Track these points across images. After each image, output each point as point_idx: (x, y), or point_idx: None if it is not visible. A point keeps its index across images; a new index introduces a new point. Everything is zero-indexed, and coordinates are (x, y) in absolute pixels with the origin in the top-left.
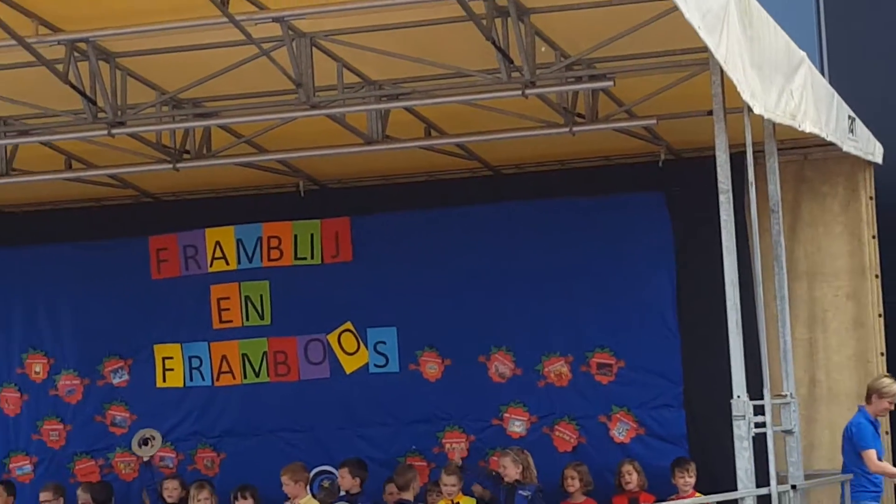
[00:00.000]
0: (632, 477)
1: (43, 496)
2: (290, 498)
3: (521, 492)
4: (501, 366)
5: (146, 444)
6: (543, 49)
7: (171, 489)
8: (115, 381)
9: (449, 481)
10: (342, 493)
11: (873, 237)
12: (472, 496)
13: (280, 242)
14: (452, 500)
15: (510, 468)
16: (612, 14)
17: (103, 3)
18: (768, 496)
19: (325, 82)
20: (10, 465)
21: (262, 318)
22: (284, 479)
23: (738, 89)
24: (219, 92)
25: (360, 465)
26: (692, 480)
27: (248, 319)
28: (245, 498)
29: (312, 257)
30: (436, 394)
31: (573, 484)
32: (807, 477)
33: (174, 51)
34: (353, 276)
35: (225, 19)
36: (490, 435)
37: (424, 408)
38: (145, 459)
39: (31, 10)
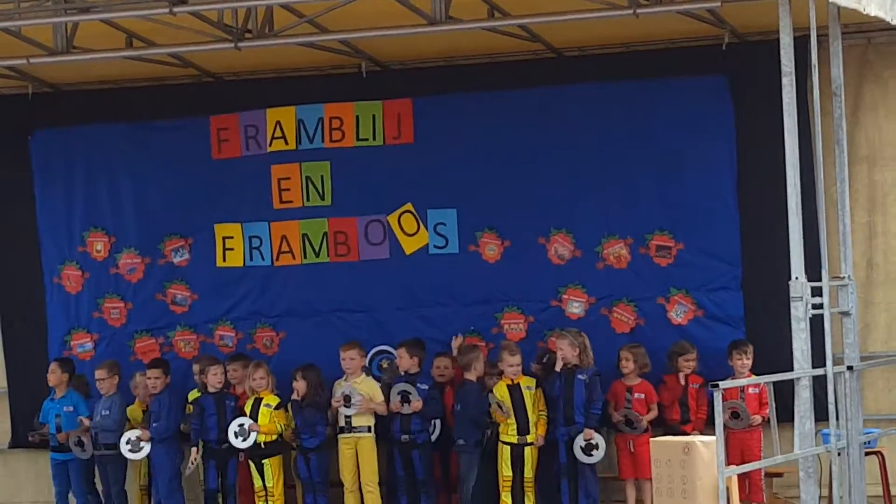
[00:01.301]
0: (689, 363)
1: (98, 374)
2: (346, 375)
3: (579, 376)
4: (561, 247)
5: (243, 437)
6: None
7: (220, 374)
8: (176, 259)
9: (514, 361)
10: (401, 372)
11: None
12: (533, 376)
13: (342, 123)
14: (513, 381)
15: (567, 350)
16: None
17: None
18: (824, 377)
19: None
20: (72, 343)
21: (322, 198)
22: (352, 353)
23: None
24: None
25: (419, 344)
26: (749, 362)
27: (308, 200)
28: (296, 380)
29: (374, 138)
30: (495, 275)
31: (627, 365)
32: (862, 359)
33: None
34: (414, 158)
35: None
36: (548, 316)
37: (483, 289)
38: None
39: None
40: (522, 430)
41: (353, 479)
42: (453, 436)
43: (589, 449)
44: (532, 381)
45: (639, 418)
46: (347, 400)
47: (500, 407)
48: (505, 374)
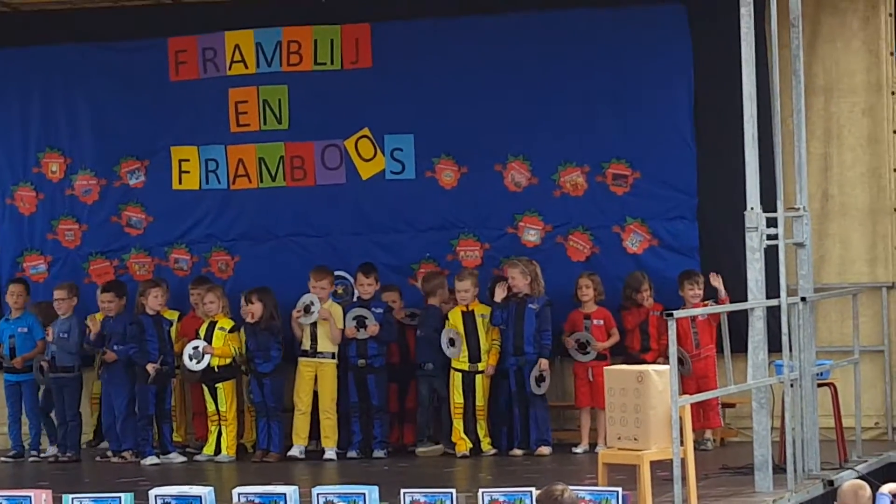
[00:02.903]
0: (647, 293)
1: (57, 294)
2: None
3: (530, 305)
4: (517, 174)
5: (197, 360)
6: None
7: (160, 297)
8: (132, 182)
9: (462, 287)
10: (356, 297)
11: (891, 54)
12: (487, 304)
13: (300, 47)
14: (467, 307)
15: (518, 279)
16: None
17: None
18: (778, 308)
19: None
20: (24, 264)
21: (279, 122)
22: (323, 282)
23: None
24: None
25: (376, 270)
26: (700, 292)
27: (265, 123)
28: (251, 302)
29: (332, 63)
30: (451, 201)
31: (587, 293)
32: (816, 290)
33: None
34: (372, 83)
35: None
36: (504, 243)
37: (439, 215)
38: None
39: None
40: (473, 357)
41: (308, 403)
42: (416, 361)
43: (540, 380)
44: (487, 310)
45: (592, 341)
46: (307, 309)
47: (452, 343)
48: (458, 301)
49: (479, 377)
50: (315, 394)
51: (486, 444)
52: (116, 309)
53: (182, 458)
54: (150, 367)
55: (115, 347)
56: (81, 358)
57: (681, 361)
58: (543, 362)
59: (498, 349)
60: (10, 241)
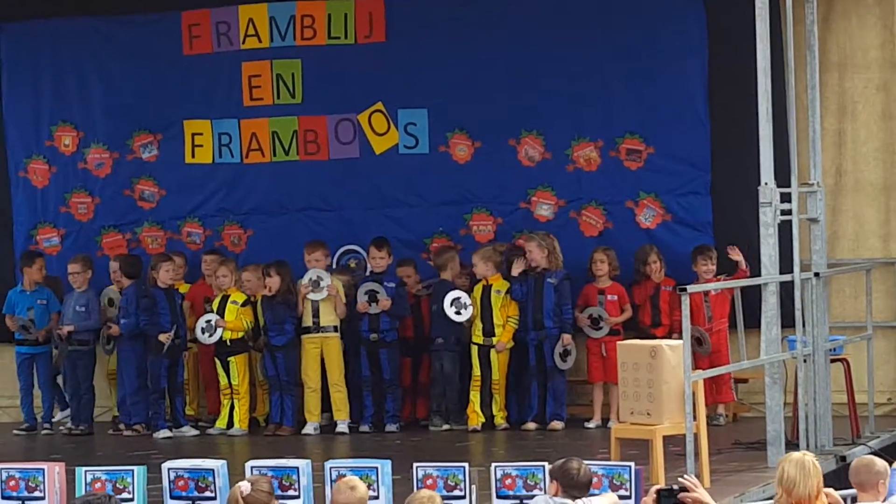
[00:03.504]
0: (655, 266)
1: (72, 268)
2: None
3: (548, 279)
4: (531, 149)
5: (210, 333)
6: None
7: (171, 271)
8: (145, 155)
9: (473, 262)
10: (368, 272)
11: None
12: (506, 280)
13: (313, 21)
14: (487, 280)
15: (536, 253)
16: None
17: None
18: (791, 283)
19: None
20: (38, 237)
21: (293, 96)
22: (317, 254)
23: None
24: None
25: (388, 243)
26: (713, 267)
27: (279, 97)
28: (270, 276)
29: (346, 37)
30: (464, 176)
31: (602, 268)
32: (830, 265)
33: None
34: (386, 57)
35: None
36: (517, 218)
37: (453, 190)
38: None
39: None
40: (487, 331)
41: (317, 380)
42: (430, 335)
43: (565, 355)
44: (504, 285)
45: (605, 316)
46: (316, 284)
47: (453, 304)
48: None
49: (493, 351)
50: (323, 368)
51: (499, 419)
52: (128, 282)
53: (195, 432)
54: (162, 337)
55: (122, 321)
56: (96, 332)
57: (700, 342)
58: (566, 337)
59: (513, 326)
60: (23, 214)
